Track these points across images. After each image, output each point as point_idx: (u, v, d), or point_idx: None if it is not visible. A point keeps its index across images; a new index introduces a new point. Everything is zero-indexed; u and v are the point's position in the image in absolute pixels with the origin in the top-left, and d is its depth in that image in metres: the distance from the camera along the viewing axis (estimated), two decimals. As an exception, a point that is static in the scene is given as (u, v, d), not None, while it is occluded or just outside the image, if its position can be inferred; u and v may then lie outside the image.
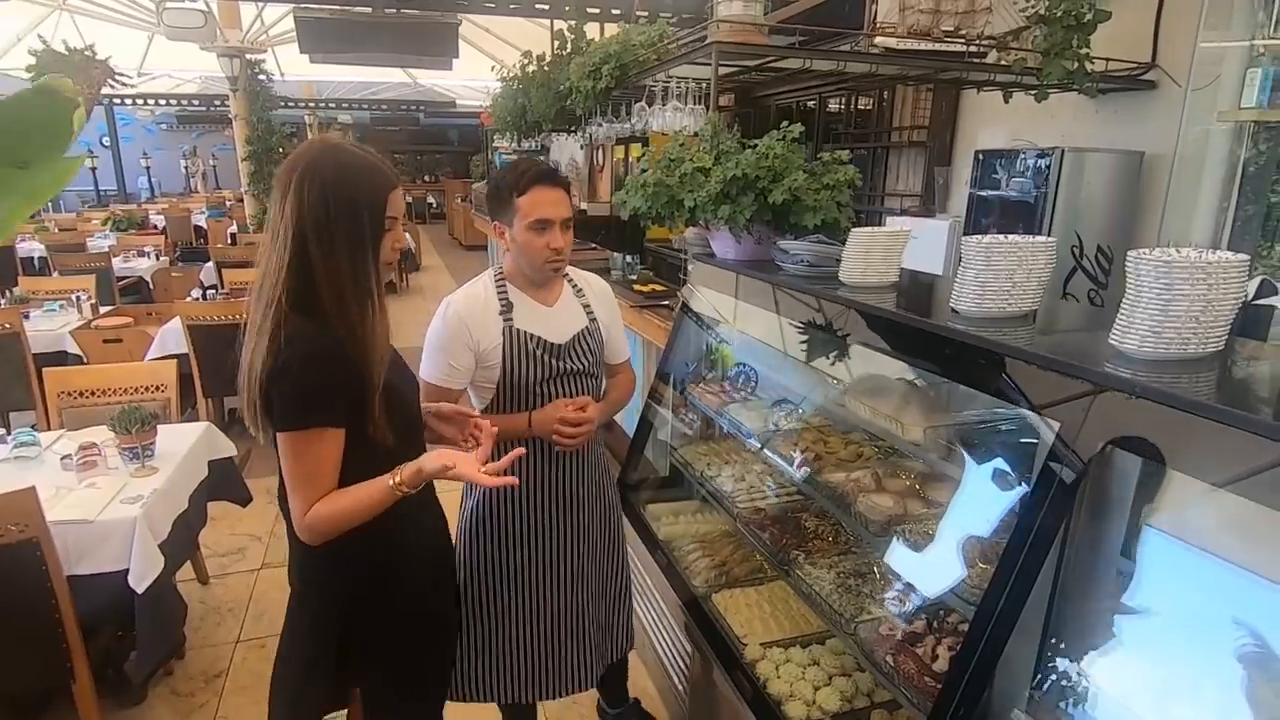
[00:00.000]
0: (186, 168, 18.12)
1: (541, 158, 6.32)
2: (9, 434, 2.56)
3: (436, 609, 1.59)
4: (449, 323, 1.70)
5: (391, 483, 1.29)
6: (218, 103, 13.94)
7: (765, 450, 2.27)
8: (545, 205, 1.66)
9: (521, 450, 1.42)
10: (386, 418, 1.30)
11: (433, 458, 1.31)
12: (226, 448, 2.87)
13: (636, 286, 3.78)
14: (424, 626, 1.54)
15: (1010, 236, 1.55)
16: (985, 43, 3.18)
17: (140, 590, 2.08)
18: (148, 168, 17.31)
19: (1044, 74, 3.08)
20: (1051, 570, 1.28)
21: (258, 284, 1.28)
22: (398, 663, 1.50)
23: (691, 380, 2.76)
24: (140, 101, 14.83)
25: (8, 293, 5.02)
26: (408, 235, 9.51)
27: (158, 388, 2.98)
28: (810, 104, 6.16)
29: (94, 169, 15.31)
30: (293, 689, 1.49)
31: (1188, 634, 1.19)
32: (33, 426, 2.68)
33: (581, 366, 1.79)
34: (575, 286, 1.87)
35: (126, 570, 2.10)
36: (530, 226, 1.66)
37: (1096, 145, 3.56)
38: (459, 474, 1.30)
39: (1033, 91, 3.27)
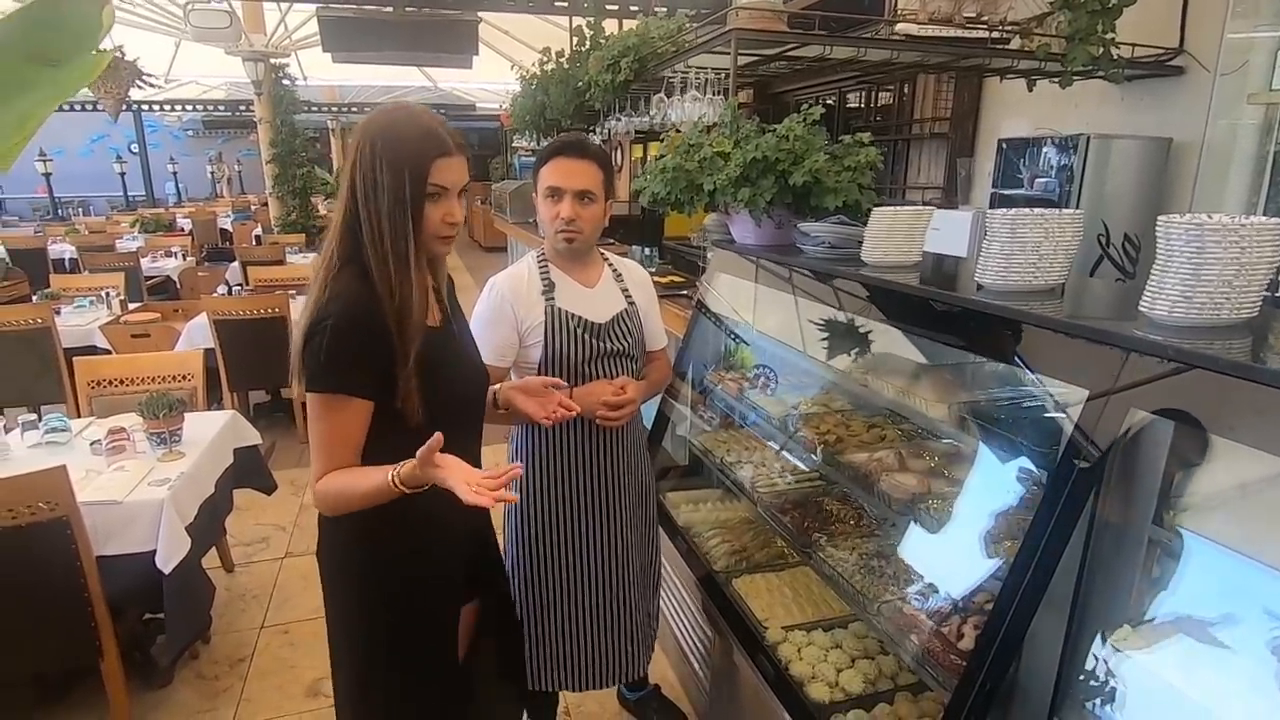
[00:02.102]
0: (212, 173, 18.43)
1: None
2: (40, 421, 2.61)
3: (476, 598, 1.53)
4: (493, 301, 1.74)
5: (390, 476, 1.19)
6: (243, 108, 14.19)
7: (786, 435, 2.25)
8: (558, 174, 1.69)
9: (519, 469, 1.34)
10: (421, 396, 1.24)
11: (421, 455, 1.15)
12: (252, 436, 2.91)
13: (655, 279, 3.76)
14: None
15: (1036, 209, 1.53)
16: (1008, 28, 3.14)
17: (167, 571, 2.11)
18: (175, 173, 17.62)
19: (1068, 59, 3.03)
20: (1080, 544, 1.26)
21: (323, 244, 1.29)
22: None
23: (711, 368, 2.75)
24: (168, 107, 15.11)
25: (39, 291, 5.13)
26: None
27: (184, 377, 3.02)
28: (830, 100, 6.13)
29: (123, 174, 15.61)
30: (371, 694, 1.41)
31: (1221, 605, 1.16)
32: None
33: (621, 347, 1.81)
34: (615, 271, 1.89)
35: (154, 551, 2.13)
36: (544, 195, 1.71)
37: (1122, 133, 3.50)
38: (445, 479, 1.14)
39: (1056, 79, 3.23)
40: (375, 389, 1.23)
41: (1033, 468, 1.47)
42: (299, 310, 1.30)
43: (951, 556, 1.63)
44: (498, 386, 1.52)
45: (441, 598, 1.44)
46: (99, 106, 5.67)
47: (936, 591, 1.63)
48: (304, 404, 1.30)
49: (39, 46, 0.42)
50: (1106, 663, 1.23)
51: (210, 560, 2.98)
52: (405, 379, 1.22)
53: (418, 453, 1.14)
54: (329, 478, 1.24)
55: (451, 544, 1.43)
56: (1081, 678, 1.27)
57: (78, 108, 13.17)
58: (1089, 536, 1.26)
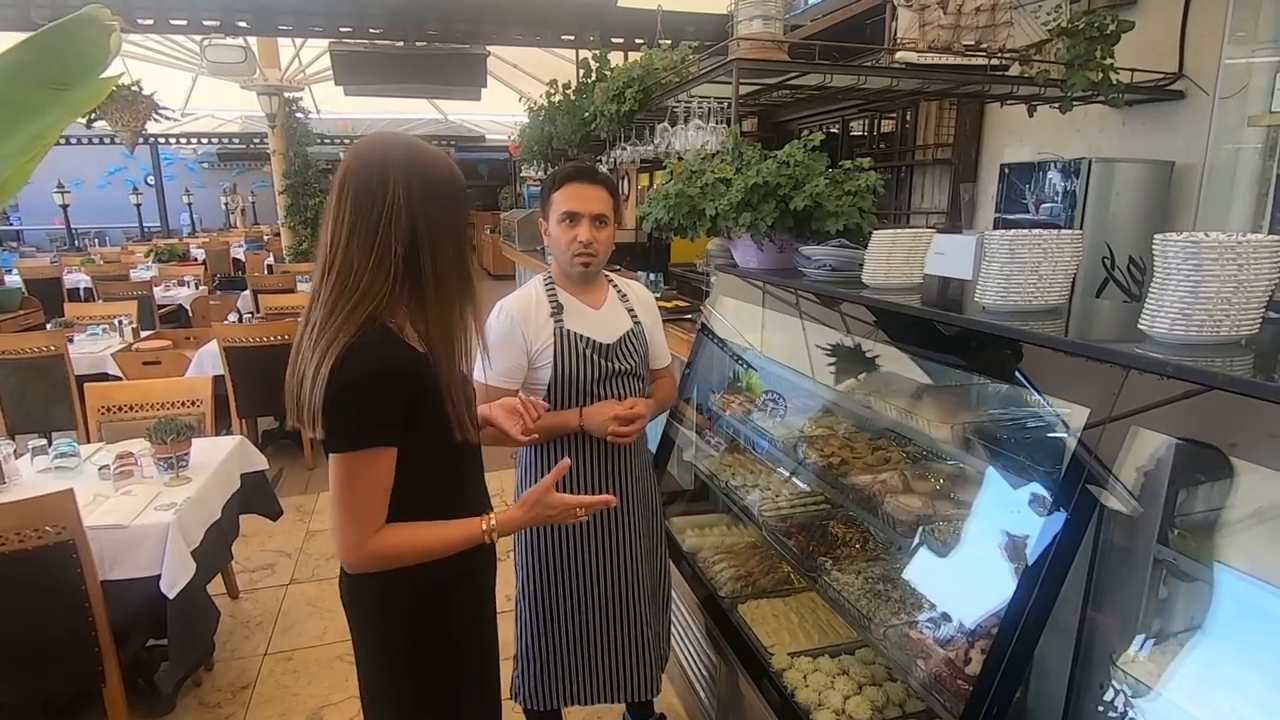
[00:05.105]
0: (226, 204, 18.70)
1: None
2: (50, 446, 2.63)
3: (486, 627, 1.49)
4: (502, 324, 1.75)
5: (484, 528, 1.26)
6: (257, 140, 14.47)
7: (791, 457, 2.24)
8: (574, 199, 1.72)
9: (566, 462, 1.38)
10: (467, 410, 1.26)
11: (525, 504, 1.31)
12: (259, 461, 2.92)
13: (661, 303, 3.79)
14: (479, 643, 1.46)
15: (1035, 230, 1.54)
16: (1007, 56, 3.18)
17: (171, 596, 2.11)
18: (190, 204, 17.90)
19: (1068, 85, 3.07)
20: (1085, 565, 1.25)
21: (328, 287, 1.17)
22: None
23: (716, 392, 2.75)
24: (184, 140, 15.43)
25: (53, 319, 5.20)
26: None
27: (194, 403, 3.05)
28: (834, 128, 6.19)
29: (138, 206, 15.88)
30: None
31: (1230, 626, 1.14)
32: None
33: (628, 367, 1.83)
34: (620, 292, 1.92)
35: (159, 576, 2.14)
36: (559, 219, 1.74)
37: (1124, 156, 3.52)
38: (562, 505, 1.31)
39: (1057, 104, 3.26)
40: (401, 432, 1.18)
41: (1036, 488, 1.45)
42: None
43: (957, 579, 1.61)
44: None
45: (481, 614, 1.43)
46: (116, 139, 5.81)
47: (943, 615, 1.61)
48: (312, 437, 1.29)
49: (51, 71, 0.44)
50: (1115, 686, 1.21)
51: (215, 586, 2.98)
52: (460, 407, 1.22)
53: (531, 498, 1.30)
54: (386, 538, 1.20)
55: (488, 564, 1.44)
56: (1091, 702, 1.25)
57: (95, 141, 13.46)
58: (1094, 557, 1.25)
